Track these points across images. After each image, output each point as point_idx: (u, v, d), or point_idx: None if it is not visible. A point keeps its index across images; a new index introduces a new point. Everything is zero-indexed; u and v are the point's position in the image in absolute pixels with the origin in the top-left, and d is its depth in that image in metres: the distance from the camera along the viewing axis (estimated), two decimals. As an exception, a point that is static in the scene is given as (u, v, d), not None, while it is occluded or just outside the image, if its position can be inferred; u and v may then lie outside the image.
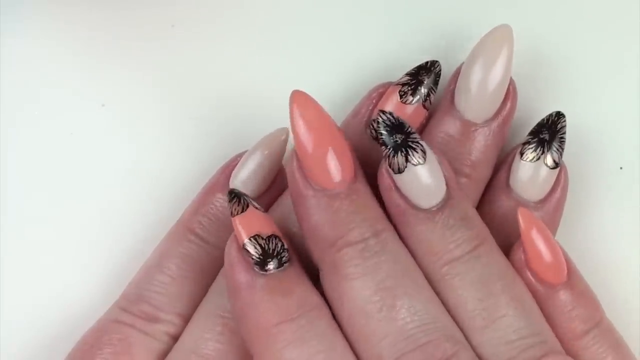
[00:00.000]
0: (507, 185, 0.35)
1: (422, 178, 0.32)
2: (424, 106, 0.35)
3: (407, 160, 0.32)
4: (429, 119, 0.35)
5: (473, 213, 0.33)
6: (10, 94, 0.37)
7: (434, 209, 0.32)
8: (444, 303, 0.32)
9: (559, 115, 0.34)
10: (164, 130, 0.37)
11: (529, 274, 0.33)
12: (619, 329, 0.34)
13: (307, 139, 0.31)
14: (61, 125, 0.37)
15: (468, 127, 0.34)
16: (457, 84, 0.34)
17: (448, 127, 0.34)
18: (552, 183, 0.34)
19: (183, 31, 0.37)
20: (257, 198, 0.35)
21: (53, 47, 0.37)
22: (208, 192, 0.35)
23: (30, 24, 0.37)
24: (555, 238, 0.35)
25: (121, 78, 0.37)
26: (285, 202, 0.35)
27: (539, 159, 0.34)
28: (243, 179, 0.35)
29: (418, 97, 0.34)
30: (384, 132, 0.32)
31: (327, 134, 0.32)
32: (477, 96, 0.34)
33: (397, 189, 0.32)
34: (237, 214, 0.32)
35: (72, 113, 0.37)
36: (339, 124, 0.36)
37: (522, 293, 0.32)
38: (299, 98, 0.32)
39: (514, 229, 0.33)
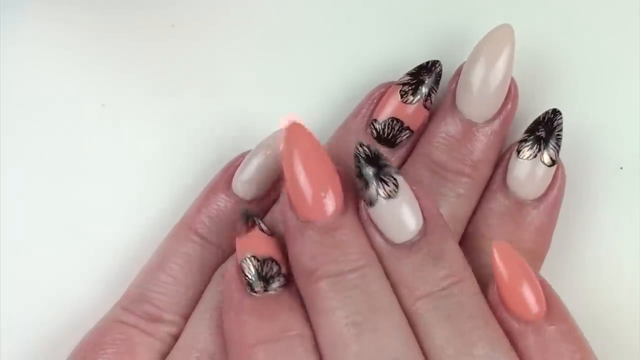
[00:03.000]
0: (504, 183, 0.35)
1: (393, 211, 0.32)
2: (425, 106, 0.35)
3: (377, 194, 0.32)
4: (430, 118, 0.35)
5: (452, 249, 0.32)
6: (10, 94, 0.37)
7: (409, 243, 0.32)
8: (417, 338, 0.32)
9: (555, 112, 0.34)
10: (165, 130, 0.37)
11: (504, 311, 0.32)
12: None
13: (303, 182, 0.31)
14: (61, 125, 0.37)
15: (469, 126, 0.34)
16: (458, 84, 0.34)
17: (449, 127, 0.34)
18: (549, 181, 0.34)
19: (183, 31, 0.37)
20: (259, 199, 0.35)
21: (53, 47, 0.37)
22: (210, 192, 0.35)
23: (30, 25, 0.37)
24: (554, 238, 0.35)
25: (121, 78, 0.37)
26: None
27: (535, 156, 0.34)
28: (245, 179, 0.35)
29: (419, 96, 0.34)
30: (358, 164, 0.32)
31: (323, 174, 0.31)
32: (478, 96, 0.34)
33: (372, 222, 0.32)
34: (242, 233, 0.33)
35: (72, 113, 0.37)
36: (339, 124, 0.36)
37: (495, 334, 0.32)
38: (295, 131, 0.31)
39: (511, 228, 0.33)
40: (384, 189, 0.31)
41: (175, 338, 0.35)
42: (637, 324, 0.36)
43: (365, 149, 0.32)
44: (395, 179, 0.32)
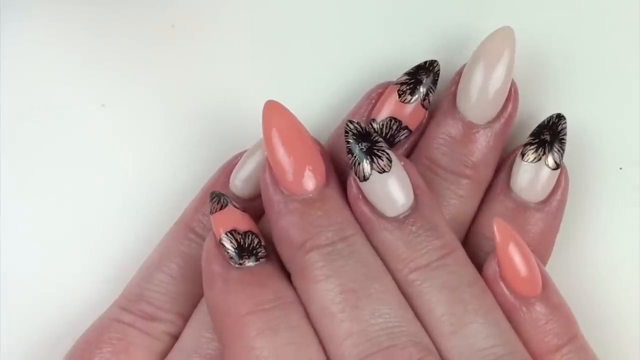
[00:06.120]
0: (508, 186, 0.35)
1: (387, 186, 0.32)
2: (423, 106, 0.35)
3: (372, 168, 0.32)
4: (428, 119, 0.35)
5: (442, 222, 0.33)
6: (10, 94, 0.37)
7: (401, 217, 0.32)
8: (413, 309, 0.32)
9: (560, 117, 0.34)
10: (164, 130, 0.37)
11: (502, 286, 0.33)
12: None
13: (283, 156, 0.32)
14: (61, 125, 0.37)
15: (470, 128, 0.34)
16: (459, 86, 0.34)
17: (449, 128, 0.34)
18: (552, 184, 0.34)
19: (183, 31, 0.37)
20: (256, 197, 0.35)
21: (53, 47, 0.37)
22: (208, 191, 0.35)
23: (30, 24, 0.37)
24: (554, 239, 0.35)
25: (121, 78, 0.37)
26: None
27: (539, 159, 0.34)
28: (243, 178, 0.35)
29: (417, 96, 0.34)
30: (350, 140, 0.32)
31: (303, 148, 0.32)
32: (479, 98, 0.34)
33: (364, 197, 0.32)
34: (216, 211, 0.33)
35: (72, 113, 0.37)
36: (338, 125, 0.36)
37: (492, 304, 0.32)
38: (272, 109, 0.32)
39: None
40: (378, 163, 0.32)
41: (173, 337, 0.35)
42: (637, 324, 0.36)
43: (356, 125, 0.32)
44: (388, 154, 0.32)
